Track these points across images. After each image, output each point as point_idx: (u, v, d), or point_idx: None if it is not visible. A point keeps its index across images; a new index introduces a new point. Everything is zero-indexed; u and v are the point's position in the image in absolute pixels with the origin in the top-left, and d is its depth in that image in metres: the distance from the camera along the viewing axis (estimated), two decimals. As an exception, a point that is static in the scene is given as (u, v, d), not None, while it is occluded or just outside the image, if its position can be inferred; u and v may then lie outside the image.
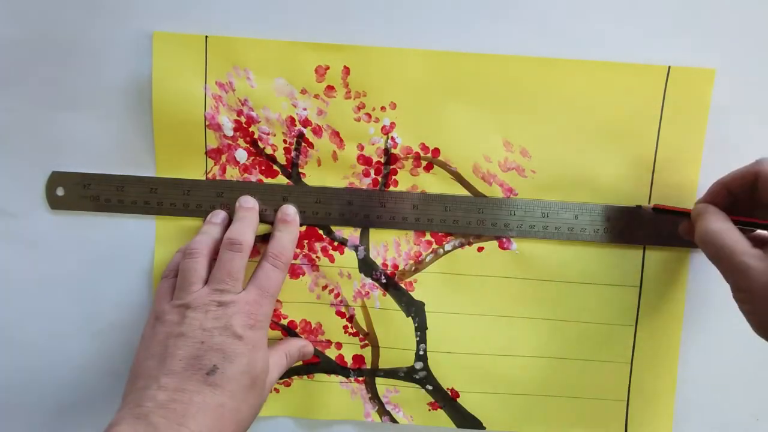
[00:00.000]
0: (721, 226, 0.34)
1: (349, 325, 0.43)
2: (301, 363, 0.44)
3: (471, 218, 0.42)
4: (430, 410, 0.44)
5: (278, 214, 0.41)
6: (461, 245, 0.43)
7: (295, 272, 0.43)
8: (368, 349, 0.44)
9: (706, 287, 0.43)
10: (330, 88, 0.41)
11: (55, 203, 0.42)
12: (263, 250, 0.40)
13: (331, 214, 0.42)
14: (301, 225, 0.42)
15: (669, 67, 0.40)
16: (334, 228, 0.42)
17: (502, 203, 0.42)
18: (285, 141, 0.41)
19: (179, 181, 0.42)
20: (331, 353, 0.44)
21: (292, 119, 0.41)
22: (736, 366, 0.44)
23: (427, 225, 0.42)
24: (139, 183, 0.42)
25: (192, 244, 0.39)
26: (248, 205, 0.41)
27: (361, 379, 0.44)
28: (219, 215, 0.42)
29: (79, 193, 0.42)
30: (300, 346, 0.43)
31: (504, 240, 0.42)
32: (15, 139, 0.42)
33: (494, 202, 0.42)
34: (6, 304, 0.43)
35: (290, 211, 0.41)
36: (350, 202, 0.42)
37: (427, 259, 0.43)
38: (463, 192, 0.42)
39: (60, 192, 0.42)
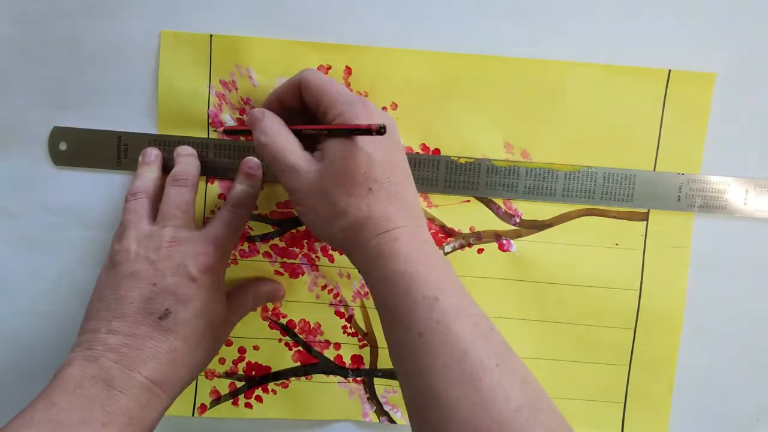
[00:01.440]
0: (275, 129, 0.35)
1: (348, 325, 0.43)
2: (297, 365, 0.44)
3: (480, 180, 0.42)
4: (428, 411, 0.44)
5: (242, 165, 0.40)
6: (461, 247, 0.43)
7: (294, 272, 0.43)
8: (367, 349, 0.44)
9: (706, 287, 0.43)
10: (332, 87, 0.41)
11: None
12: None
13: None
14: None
15: (670, 71, 0.41)
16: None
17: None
18: (286, 140, 0.42)
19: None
20: (330, 354, 0.44)
21: (294, 118, 0.41)
22: (736, 366, 0.44)
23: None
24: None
25: (132, 187, 0.38)
26: (186, 152, 0.40)
27: (359, 379, 0.44)
28: (151, 153, 0.40)
29: (81, 189, 0.42)
30: (270, 289, 0.42)
31: (504, 242, 0.42)
32: (16, 139, 0.42)
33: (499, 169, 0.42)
34: (5, 305, 0.43)
35: (254, 163, 0.40)
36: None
37: (427, 260, 0.43)
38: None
39: (61, 188, 0.42)
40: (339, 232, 0.33)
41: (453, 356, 0.28)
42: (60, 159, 0.42)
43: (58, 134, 0.42)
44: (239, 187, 0.40)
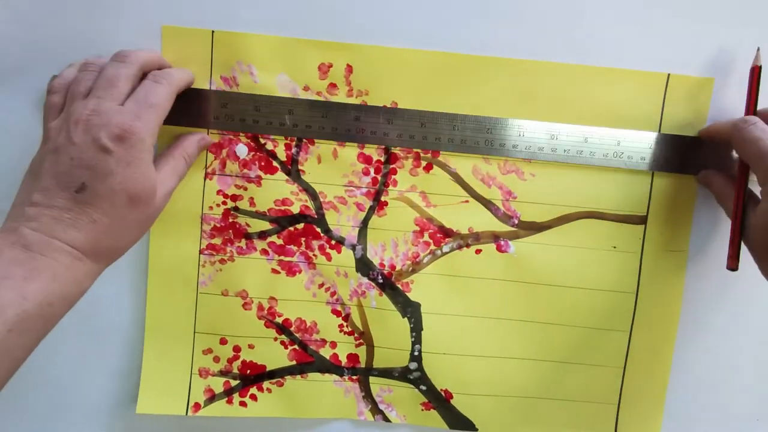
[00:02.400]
0: None
1: (345, 324, 0.43)
2: (293, 363, 0.44)
3: (479, 138, 0.41)
4: (423, 410, 0.44)
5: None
6: (459, 247, 0.43)
7: (291, 270, 0.43)
8: (363, 348, 0.44)
9: (706, 287, 0.43)
10: (332, 85, 0.41)
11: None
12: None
13: (337, 129, 0.41)
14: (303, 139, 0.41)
15: (668, 75, 0.41)
16: (332, 226, 0.42)
17: (511, 124, 0.41)
18: (286, 137, 0.42)
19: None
20: (326, 352, 0.44)
21: (294, 116, 0.41)
22: (736, 366, 0.44)
23: (435, 144, 0.41)
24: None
25: (90, 59, 0.38)
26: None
27: (355, 377, 0.44)
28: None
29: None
30: (197, 140, 0.41)
31: (502, 243, 0.43)
32: (16, 139, 0.42)
33: (503, 123, 0.41)
34: None
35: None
36: (357, 117, 0.41)
37: (425, 260, 0.43)
38: (463, 194, 0.42)
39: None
40: None
41: None
42: (58, 153, 0.42)
43: (56, 128, 0.41)
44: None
